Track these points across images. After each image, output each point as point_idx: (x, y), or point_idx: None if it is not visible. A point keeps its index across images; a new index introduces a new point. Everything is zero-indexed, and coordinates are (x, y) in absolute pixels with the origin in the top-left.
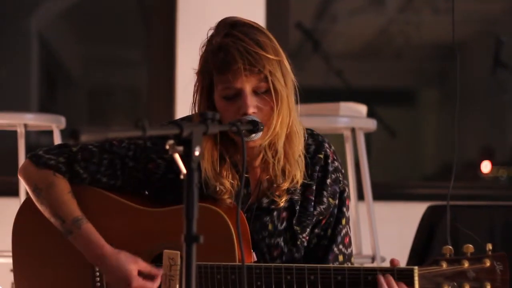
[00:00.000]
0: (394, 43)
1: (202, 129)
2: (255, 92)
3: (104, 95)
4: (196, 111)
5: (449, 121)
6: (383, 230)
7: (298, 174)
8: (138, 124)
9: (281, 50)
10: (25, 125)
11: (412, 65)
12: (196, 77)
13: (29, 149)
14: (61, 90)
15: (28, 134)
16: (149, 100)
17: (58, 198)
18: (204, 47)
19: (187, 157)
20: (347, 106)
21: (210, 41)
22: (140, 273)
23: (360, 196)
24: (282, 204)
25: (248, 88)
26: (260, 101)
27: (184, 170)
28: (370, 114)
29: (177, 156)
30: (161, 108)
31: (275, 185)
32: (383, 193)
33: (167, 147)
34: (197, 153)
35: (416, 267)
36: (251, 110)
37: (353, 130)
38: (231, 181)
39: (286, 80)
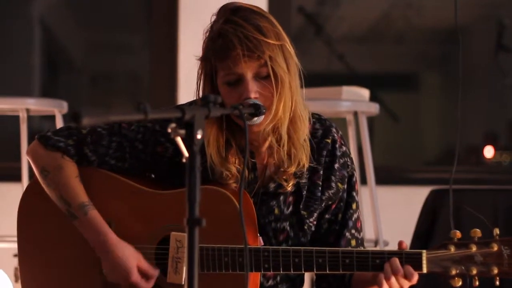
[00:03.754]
0: (396, 27)
1: (204, 113)
2: (257, 77)
3: (106, 81)
4: (200, 97)
5: (451, 105)
6: (386, 215)
7: (304, 157)
8: (139, 107)
9: (284, 34)
10: (27, 110)
11: (415, 49)
12: (199, 63)
13: (31, 134)
14: (63, 75)
15: (30, 119)
16: (151, 86)
17: (65, 182)
18: (207, 33)
19: (189, 140)
20: (350, 90)
21: (211, 27)
22: (138, 270)
23: (363, 180)
24: (289, 188)
25: (249, 73)
26: (261, 86)
27: (186, 154)
28: (373, 98)
29: (179, 140)
30: (163, 93)
31: (281, 169)
32: (385, 177)
33: (169, 130)
34: (199, 136)
35: (424, 251)
36: (252, 95)
37: (355, 114)
38: (238, 166)
39: (288, 65)
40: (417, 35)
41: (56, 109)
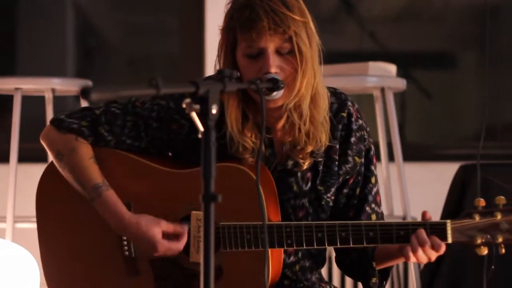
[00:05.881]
0: (433, 5)
1: (219, 87)
2: (278, 52)
3: (141, 63)
4: (222, 67)
5: (489, 83)
6: (420, 191)
7: (324, 136)
8: (151, 82)
9: (307, 12)
10: (53, 90)
11: (451, 27)
12: (220, 34)
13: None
14: (97, 58)
15: (59, 99)
16: (183, 67)
17: (79, 164)
18: (230, 4)
19: (204, 116)
20: (376, 65)
21: None
22: (165, 234)
23: (390, 157)
24: (305, 167)
25: (271, 47)
26: (283, 61)
27: (201, 129)
28: (407, 76)
29: (194, 115)
30: (197, 75)
31: (298, 148)
32: (421, 154)
33: (184, 105)
34: (214, 111)
35: (448, 221)
36: (273, 69)
37: (382, 90)
38: (254, 140)
39: (311, 42)
40: (453, 13)
41: None
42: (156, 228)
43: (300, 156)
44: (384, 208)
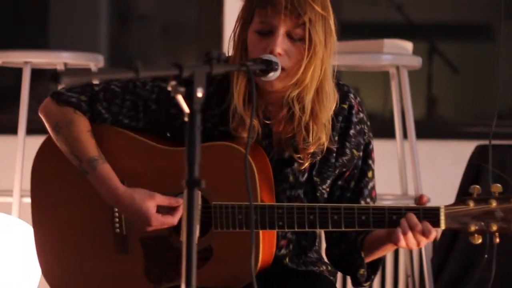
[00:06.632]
0: None
1: (205, 70)
2: (290, 36)
3: (176, 30)
4: (235, 41)
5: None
6: (441, 170)
7: (324, 137)
8: (131, 65)
9: (330, 9)
10: (65, 64)
11: None
12: (241, 8)
13: None
14: (133, 27)
15: None
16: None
17: (76, 137)
18: None
19: (189, 99)
20: (392, 42)
21: None
22: (159, 208)
23: (404, 135)
24: (304, 167)
25: (283, 28)
26: (292, 46)
27: (187, 111)
28: (433, 50)
29: (180, 98)
30: (215, 44)
31: (300, 147)
32: (447, 131)
33: (169, 88)
34: (199, 94)
35: (442, 206)
36: (278, 49)
37: (398, 68)
38: (253, 122)
39: (326, 39)
40: None
41: (92, 63)
42: (150, 202)
43: (301, 155)
44: (397, 188)
